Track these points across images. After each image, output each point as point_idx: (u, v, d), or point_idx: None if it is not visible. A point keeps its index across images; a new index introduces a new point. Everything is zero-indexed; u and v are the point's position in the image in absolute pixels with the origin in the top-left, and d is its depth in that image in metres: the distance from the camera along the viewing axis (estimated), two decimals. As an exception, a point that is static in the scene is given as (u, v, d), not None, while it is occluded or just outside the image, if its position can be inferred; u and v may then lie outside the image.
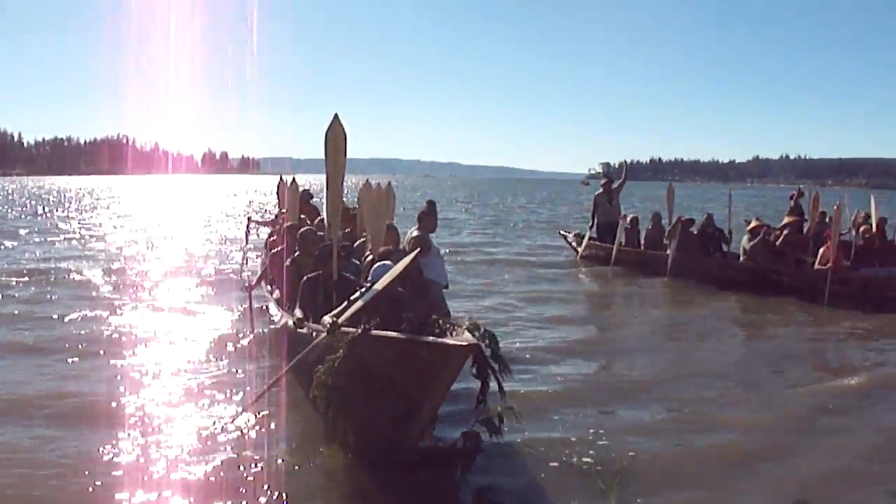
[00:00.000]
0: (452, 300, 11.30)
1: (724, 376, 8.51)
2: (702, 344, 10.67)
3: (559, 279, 16.24)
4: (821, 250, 13.87)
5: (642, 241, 17.14)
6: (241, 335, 9.49)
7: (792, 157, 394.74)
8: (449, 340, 4.99)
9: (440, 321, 5.91)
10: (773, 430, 6.71)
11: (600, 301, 14.29)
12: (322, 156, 6.97)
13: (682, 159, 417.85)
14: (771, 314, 12.53)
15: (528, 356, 8.97)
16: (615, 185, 18.13)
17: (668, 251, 15.54)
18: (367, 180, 9.95)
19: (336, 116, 6.95)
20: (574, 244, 19.29)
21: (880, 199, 19.63)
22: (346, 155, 7.04)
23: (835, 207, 13.51)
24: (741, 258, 14.90)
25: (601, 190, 18.03)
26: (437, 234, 9.78)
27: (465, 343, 4.81)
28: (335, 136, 6.96)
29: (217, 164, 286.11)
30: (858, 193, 38.58)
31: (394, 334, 5.04)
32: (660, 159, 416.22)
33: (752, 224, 15.10)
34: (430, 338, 5.11)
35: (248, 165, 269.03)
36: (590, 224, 18.54)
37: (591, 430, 6.50)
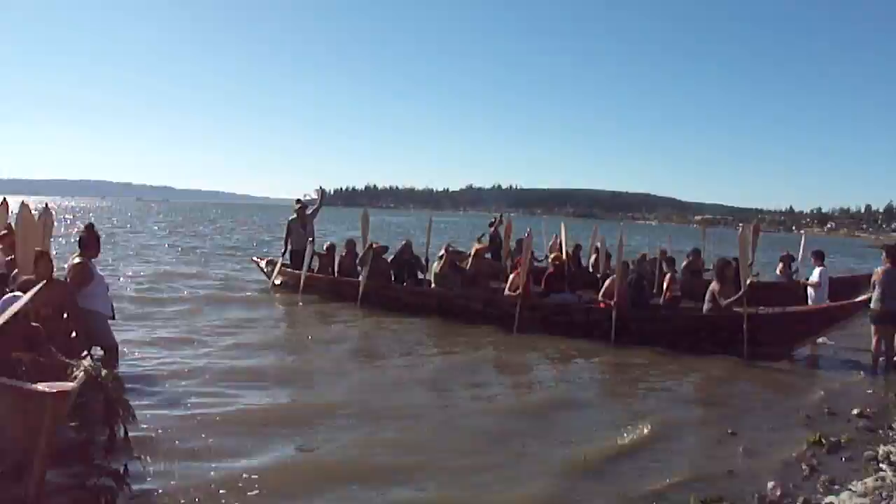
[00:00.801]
0: (141, 330, 11.80)
1: (412, 405, 8.62)
2: (387, 367, 10.74)
3: (250, 306, 15.63)
4: (510, 277, 14.36)
5: (336, 267, 17.06)
6: None
7: (504, 186, 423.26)
8: (37, 386, 4.34)
9: (65, 362, 5.19)
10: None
11: (288, 329, 13.82)
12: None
13: (398, 187, 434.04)
14: (461, 338, 12.90)
15: (210, 383, 8.96)
16: (309, 211, 17.92)
17: (360, 277, 15.52)
18: (23, 202, 9.20)
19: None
20: (266, 271, 18.75)
21: (586, 226, 21.01)
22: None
23: (525, 235, 14.09)
24: (432, 284, 15.12)
25: (294, 216, 17.74)
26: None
27: (50, 390, 4.19)
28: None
29: None
30: (566, 222, 41.28)
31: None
32: (375, 186, 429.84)
33: (441, 251, 15.38)
34: (14, 381, 4.46)
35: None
36: (282, 251, 18.22)
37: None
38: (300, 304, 15.99)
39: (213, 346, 11.33)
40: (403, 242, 16.68)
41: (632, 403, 9.25)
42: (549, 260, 16.15)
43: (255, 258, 21.34)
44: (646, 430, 7.82)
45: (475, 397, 9.22)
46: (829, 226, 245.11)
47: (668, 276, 15.47)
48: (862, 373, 11.42)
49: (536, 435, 7.64)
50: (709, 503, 5.92)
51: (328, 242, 17.89)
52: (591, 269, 19.71)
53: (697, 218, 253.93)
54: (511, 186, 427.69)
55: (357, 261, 16.11)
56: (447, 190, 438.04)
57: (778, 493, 6.09)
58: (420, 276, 16.15)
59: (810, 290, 14.32)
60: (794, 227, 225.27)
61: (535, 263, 18.15)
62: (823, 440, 7.58)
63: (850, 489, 6.27)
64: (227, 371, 9.65)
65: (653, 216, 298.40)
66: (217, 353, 10.79)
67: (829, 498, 6.07)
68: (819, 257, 14.47)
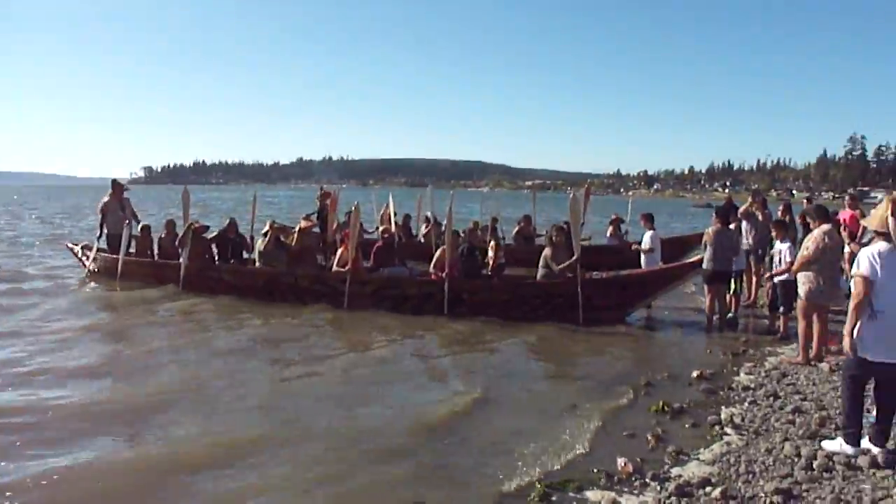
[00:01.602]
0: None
1: (235, 385, 8.45)
2: (213, 354, 10.13)
3: (65, 296, 14.54)
4: (339, 251, 13.90)
5: (156, 250, 16.09)
6: None
7: (335, 158, 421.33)
8: None
9: None
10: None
11: (106, 318, 12.76)
12: None
13: (226, 161, 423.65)
14: (289, 318, 12.46)
15: (22, 379, 8.53)
16: (127, 193, 16.99)
17: (182, 259, 14.69)
18: None
19: None
20: (82, 257, 17.42)
21: (416, 196, 20.76)
22: None
23: (353, 208, 13.68)
24: (257, 263, 14.49)
25: (107, 198, 16.66)
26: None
27: None
28: None
29: None
30: (399, 192, 41.14)
31: None
32: (203, 162, 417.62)
33: (266, 227, 14.68)
34: None
35: None
36: (97, 234, 17.10)
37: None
38: (118, 290, 14.92)
39: (24, 339, 10.52)
40: (227, 221, 15.89)
41: (465, 379, 8.98)
42: (379, 232, 15.82)
43: (69, 243, 19.79)
44: (481, 409, 7.60)
45: (306, 376, 8.95)
46: (655, 187, 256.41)
47: (492, 243, 15.37)
48: (697, 333, 11.66)
49: (368, 418, 7.34)
50: (555, 487, 5.65)
51: (142, 223, 16.73)
52: (422, 240, 19.57)
53: (528, 183, 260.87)
54: (342, 157, 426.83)
55: (177, 242, 15.20)
56: (277, 163, 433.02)
57: (630, 468, 5.91)
58: (245, 255, 15.50)
59: (642, 254, 14.52)
60: (622, 190, 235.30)
61: (366, 236, 17.83)
62: (666, 407, 7.52)
63: (697, 458, 6.17)
64: (40, 365, 9.06)
65: (485, 183, 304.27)
66: (30, 347, 10.03)
67: (678, 469, 5.94)
68: (649, 220, 14.66)
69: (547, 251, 12.66)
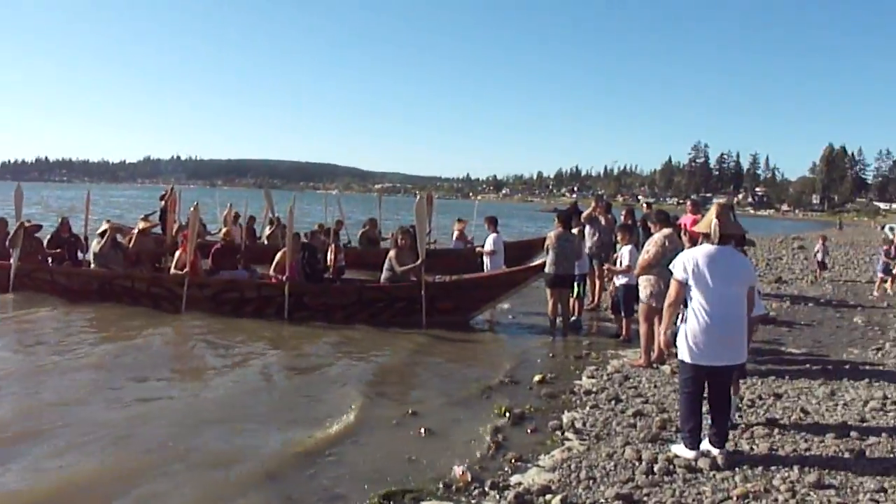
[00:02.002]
0: None
1: (77, 413, 7.42)
2: (49, 361, 9.42)
3: None
4: (177, 254, 13.30)
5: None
6: None
7: (183, 157, 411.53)
8: None
9: None
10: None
11: None
12: None
13: (71, 159, 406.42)
14: (127, 321, 11.93)
15: None
16: None
17: (12, 260, 13.75)
18: None
19: None
20: None
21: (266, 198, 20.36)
22: None
23: (191, 210, 13.17)
24: (93, 264, 13.72)
25: None
26: None
27: None
28: None
29: None
30: (247, 193, 40.14)
31: None
32: (46, 159, 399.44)
33: (103, 227, 13.90)
34: None
35: None
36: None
37: None
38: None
39: None
40: (60, 220, 15.09)
41: (301, 387, 8.74)
42: (221, 234, 15.38)
43: None
44: (319, 420, 7.29)
45: (143, 398, 8.07)
46: (504, 192, 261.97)
47: (331, 246, 15.19)
48: (540, 337, 11.71)
49: (209, 442, 6.78)
50: (391, 498, 5.41)
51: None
52: (265, 242, 19.36)
53: (377, 186, 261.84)
54: (191, 157, 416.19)
55: (7, 241, 14.16)
56: (124, 161, 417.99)
57: (468, 477, 5.72)
58: (81, 255, 14.83)
59: (485, 257, 14.60)
60: (471, 194, 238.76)
61: (208, 238, 17.44)
62: (507, 413, 7.40)
63: (538, 465, 6.05)
64: None
65: (335, 185, 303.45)
66: None
67: (517, 476, 5.79)
68: (492, 223, 14.77)
69: (392, 253, 12.59)
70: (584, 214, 13.93)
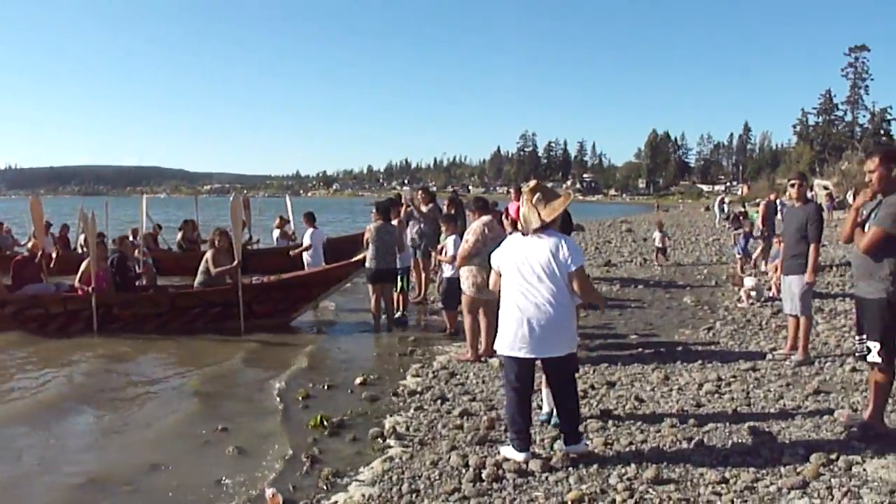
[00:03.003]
0: None
1: None
2: None
3: None
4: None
5: None
6: None
7: (2, 167, 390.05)
8: None
9: None
10: None
11: None
12: None
13: None
14: None
15: None
16: None
17: None
18: None
19: None
20: None
21: (94, 203, 19.05)
22: None
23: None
24: None
25: None
26: None
27: None
28: None
29: None
30: (73, 201, 38.24)
31: None
32: None
33: None
34: None
35: None
36: None
37: None
38: None
39: None
40: None
41: (112, 406, 8.14)
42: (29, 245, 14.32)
43: None
44: (118, 446, 6.69)
45: None
46: (335, 187, 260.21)
47: (143, 251, 14.48)
48: (365, 336, 11.33)
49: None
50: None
51: None
52: (80, 251, 18.26)
53: (207, 188, 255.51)
54: (10, 167, 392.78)
55: None
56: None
57: (279, 500, 5.21)
58: None
59: (305, 254, 14.21)
60: (301, 191, 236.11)
61: (17, 249, 16.54)
62: (325, 422, 6.88)
63: (357, 479, 5.58)
64: None
65: (162, 188, 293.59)
66: None
67: (335, 495, 5.31)
68: (310, 219, 14.39)
69: (209, 255, 12.03)
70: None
